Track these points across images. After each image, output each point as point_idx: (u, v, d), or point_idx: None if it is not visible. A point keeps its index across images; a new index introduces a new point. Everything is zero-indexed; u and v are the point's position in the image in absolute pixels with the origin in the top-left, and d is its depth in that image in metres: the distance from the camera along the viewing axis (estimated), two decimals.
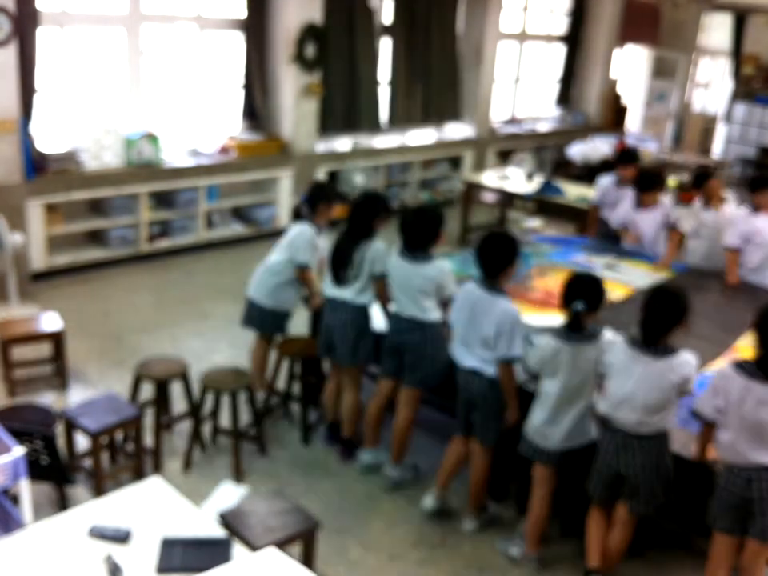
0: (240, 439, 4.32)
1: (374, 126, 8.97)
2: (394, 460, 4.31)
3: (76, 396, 4.88)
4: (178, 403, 4.67)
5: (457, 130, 9.99)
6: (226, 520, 3.16)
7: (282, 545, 3.12)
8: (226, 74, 7.88)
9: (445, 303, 4.10)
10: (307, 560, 3.31)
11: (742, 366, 3.21)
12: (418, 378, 4.15)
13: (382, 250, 4.18)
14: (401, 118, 9.28)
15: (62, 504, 3.69)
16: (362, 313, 4.28)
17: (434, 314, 4.10)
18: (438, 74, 9.50)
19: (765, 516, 3.19)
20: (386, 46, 8.91)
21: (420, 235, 4.05)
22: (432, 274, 4.02)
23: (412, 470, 4.37)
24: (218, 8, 7.60)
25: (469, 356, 3.82)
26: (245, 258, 7.44)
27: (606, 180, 6.32)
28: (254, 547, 2.87)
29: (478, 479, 3.96)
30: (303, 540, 3.29)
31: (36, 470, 3.46)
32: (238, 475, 4.27)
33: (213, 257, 7.54)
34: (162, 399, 4.38)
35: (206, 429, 4.59)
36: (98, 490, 3.82)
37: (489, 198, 8.29)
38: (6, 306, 5.83)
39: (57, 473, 3.64)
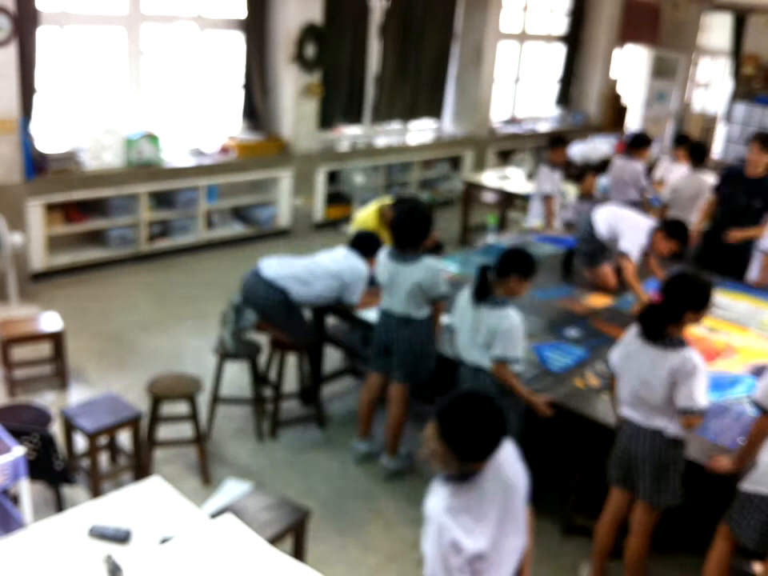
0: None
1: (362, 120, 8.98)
2: (389, 454, 4.41)
3: (76, 396, 4.88)
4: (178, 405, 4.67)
5: (430, 128, 9.99)
6: None
7: (279, 538, 3.14)
8: (226, 74, 7.88)
9: (434, 301, 4.18)
10: (299, 549, 3.34)
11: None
12: (406, 373, 4.24)
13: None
14: (382, 114, 9.23)
15: (59, 505, 3.68)
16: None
17: (421, 311, 4.16)
18: (427, 74, 9.47)
19: (645, 478, 3.23)
20: (381, 45, 8.88)
21: (409, 235, 4.12)
22: (418, 276, 4.07)
23: (406, 459, 4.46)
24: (218, 8, 7.60)
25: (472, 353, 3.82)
26: (245, 258, 7.44)
27: None
28: None
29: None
30: (295, 531, 3.33)
31: (34, 470, 3.46)
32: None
33: (213, 257, 7.54)
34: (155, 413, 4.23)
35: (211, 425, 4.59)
36: (95, 491, 3.81)
37: (489, 197, 8.29)
38: (6, 306, 5.83)
39: (54, 473, 3.64)
